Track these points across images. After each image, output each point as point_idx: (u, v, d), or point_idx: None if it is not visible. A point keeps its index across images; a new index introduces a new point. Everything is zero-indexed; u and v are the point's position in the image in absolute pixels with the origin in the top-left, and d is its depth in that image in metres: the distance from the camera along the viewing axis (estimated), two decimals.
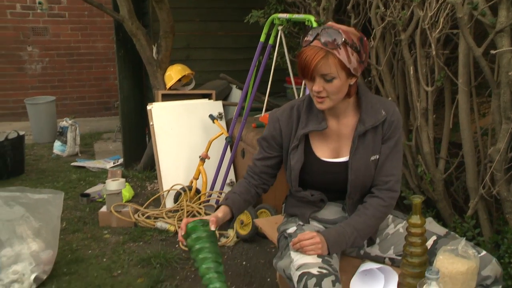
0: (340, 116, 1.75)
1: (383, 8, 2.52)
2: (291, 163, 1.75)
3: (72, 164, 4.94)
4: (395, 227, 1.83)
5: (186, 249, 3.05)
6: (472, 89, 2.32)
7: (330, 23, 1.65)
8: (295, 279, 1.59)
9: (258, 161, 1.85)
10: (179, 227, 3.18)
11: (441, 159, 2.53)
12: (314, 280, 1.50)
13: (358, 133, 1.70)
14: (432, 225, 1.78)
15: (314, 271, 1.54)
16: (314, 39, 1.58)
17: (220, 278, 1.61)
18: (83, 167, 4.84)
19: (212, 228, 1.67)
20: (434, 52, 2.30)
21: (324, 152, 1.76)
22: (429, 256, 1.65)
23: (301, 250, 1.65)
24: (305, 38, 1.61)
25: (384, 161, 1.74)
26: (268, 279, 2.72)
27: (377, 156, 1.73)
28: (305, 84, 3.00)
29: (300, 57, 1.60)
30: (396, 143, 1.74)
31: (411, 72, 2.46)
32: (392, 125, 1.72)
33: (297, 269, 1.59)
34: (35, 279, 2.60)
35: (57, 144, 5.32)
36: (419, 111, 2.46)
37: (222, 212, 1.74)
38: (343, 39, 1.56)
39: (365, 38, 1.65)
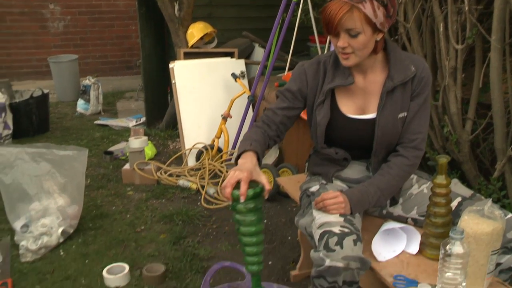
0: (367, 72, 1.71)
1: None
2: (317, 119, 1.73)
3: (95, 122, 4.99)
4: (419, 187, 1.81)
5: (211, 206, 3.09)
6: (506, 46, 2.23)
7: None
8: (316, 237, 1.59)
9: (280, 110, 1.77)
10: (201, 185, 3.25)
11: (468, 119, 2.48)
12: (335, 238, 1.50)
13: (387, 89, 1.66)
14: (457, 186, 1.75)
15: (336, 229, 1.54)
16: None
17: (260, 261, 1.52)
18: (106, 125, 4.89)
19: (266, 196, 1.52)
20: (466, 8, 2.21)
21: (349, 108, 1.73)
22: (453, 217, 1.64)
23: (324, 209, 1.65)
24: None
25: (412, 118, 1.70)
26: (289, 237, 2.75)
27: (405, 114, 1.69)
28: (330, 42, 2.94)
29: (324, 12, 1.55)
30: (425, 100, 1.70)
31: (441, 29, 2.38)
32: (422, 81, 1.68)
33: (319, 227, 1.60)
34: (63, 232, 2.68)
35: (80, 103, 5.36)
36: (447, 70, 2.40)
37: (253, 162, 1.56)
38: None
39: None
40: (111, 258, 2.55)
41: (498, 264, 1.58)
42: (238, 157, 1.60)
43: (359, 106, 1.73)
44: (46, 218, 2.64)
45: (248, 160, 1.55)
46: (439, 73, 2.54)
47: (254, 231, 1.48)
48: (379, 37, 1.61)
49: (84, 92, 5.34)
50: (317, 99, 1.73)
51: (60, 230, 2.66)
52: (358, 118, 1.72)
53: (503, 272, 1.61)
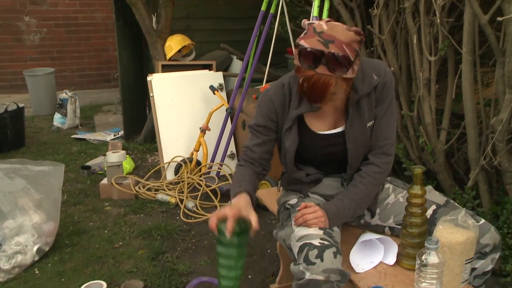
0: None
1: None
2: (286, 145, 1.71)
3: (73, 136, 4.94)
4: (395, 197, 1.83)
5: (190, 220, 3.07)
6: (476, 58, 2.29)
7: (328, 28, 1.45)
8: (295, 249, 1.59)
9: (256, 147, 1.74)
10: (180, 199, 3.23)
11: (442, 130, 2.52)
12: (315, 251, 1.51)
13: (352, 102, 1.64)
14: (431, 194, 1.77)
15: (316, 242, 1.54)
16: (319, 64, 1.44)
17: None
18: (84, 139, 4.84)
19: (252, 235, 1.51)
20: (438, 20, 2.26)
21: (320, 126, 1.71)
22: (429, 225, 1.66)
23: (304, 224, 1.64)
24: (305, 62, 1.45)
25: (379, 125, 1.70)
26: (268, 250, 2.75)
27: (373, 122, 1.69)
28: None
29: (307, 82, 1.47)
30: (389, 105, 1.69)
31: (415, 41, 2.43)
32: (385, 86, 1.66)
33: (298, 240, 1.60)
34: (38, 250, 2.62)
35: (57, 117, 5.30)
36: (421, 81, 2.44)
37: (246, 200, 1.58)
38: (351, 61, 1.45)
39: (362, 34, 1.51)
40: (88, 275, 2.51)
41: (473, 269, 1.61)
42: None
43: (328, 122, 1.71)
44: (21, 236, 2.58)
45: (241, 200, 1.58)
46: (414, 84, 2.59)
47: (234, 265, 1.46)
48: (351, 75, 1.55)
49: (61, 106, 5.29)
50: (285, 124, 1.70)
51: (35, 248, 2.61)
52: (329, 133, 1.71)
53: (478, 277, 1.64)
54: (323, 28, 1.45)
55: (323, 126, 1.71)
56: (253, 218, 1.49)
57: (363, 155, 1.74)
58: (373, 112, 1.69)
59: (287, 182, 1.89)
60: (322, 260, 1.48)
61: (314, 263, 1.48)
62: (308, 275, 1.47)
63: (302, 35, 1.49)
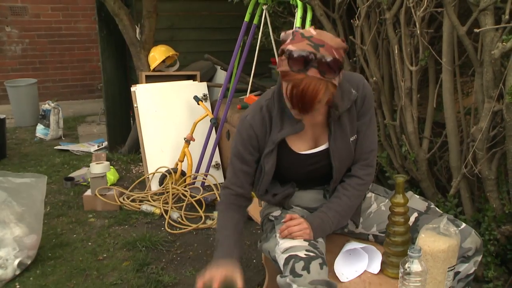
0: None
1: None
2: (265, 168, 1.66)
3: (56, 147, 4.89)
4: (378, 206, 1.84)
5: (175, 231, 3.06)
6: (456, 68, 2.33)
7: (317, 33, 1.45)
8: (281, 262, 1.59)
9: (244, 176, 1.71)
10: (165, 210, 3.21)
11: (424, 138, 2.55)
12: (302, 263, 1.50)
13: (333, 119, 1.62)
14: (412, 200, 1.78)
15: (301, 254, 1.54)
16: (310, 67, 1.39)
17: None
18: (67, 150, 4.79)
19: None
20: (418, 31, 2.29)
21: (301, 146, 1.68)
22: (411, 233, 1.67)
23: (289, 236, 1.64)
24: (295, 65, 1.41)
25: (363, 139, 1.70)
26: (254, 260, 2.75)
27: (356, 136, 1.70)
28: None
29: (297, 88, 1.41)
30: (370, 117, 1.69)
31: (396, 51, 2.46)
32: (364, 100, 1.66)
33: (283, 252, 1.59)
34: (19, 264, 2.58)
35: (39, 128, 5.25)
36: (403, 91, 2.47)
37: (235, 265, 1.58)
38: (341, 65, 1.44)
39: (344, 51, 1.48)
40: None
41: (456, 273, 1.62)
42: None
43: (310, 140, 1.69)
44: (1, 250, 2.54)
45: (229, 262, 1.58)
46: (396, 94, 2.62)
47: None
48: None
49: (43, 117, 5.23)
50: (266, 148, 1.65)
51: (16, 262, 2.57)
52: (311, 153, 1.70)
53: (461, 280, 1.66)
54: (312, 33, 1.44)
55: (305, 145, 1.69)
56: (239, 281, 1.53)
57: (347, 168, 1.74)
58: (355, 126, 1.68)
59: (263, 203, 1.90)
60: (308, 272, 1.48)
61: (300, 275, 1.48)
62: (295, 287, 1.48)
63: (288, 41, 1.46)
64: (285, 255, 1.57)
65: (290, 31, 1.51)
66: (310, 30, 1.46)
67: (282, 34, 1.52)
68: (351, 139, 1.69)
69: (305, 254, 1.54)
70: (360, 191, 1.73)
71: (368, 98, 1.67)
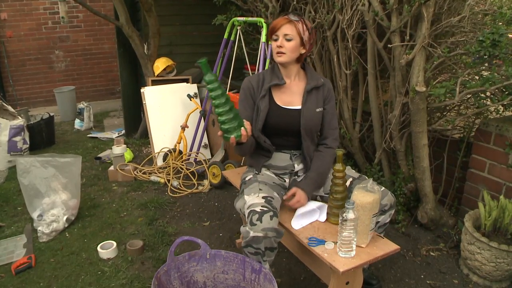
0: (292, 77, 1.74)
1: (313, 12, 2.46)
2: (261, 107, 1.71)
3: (88, 135, 4.73)
4: None
5: (175, 195, 3.00)
6: (377, 72, 2.32)
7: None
8: (246, 215, 1.57)
9: (245, 112, 1.74)
10: (167, 180, 3.15)
11: (356, 123, 2.55)
12: (257, 215, 1.49)
13: (307, 89, 1.71)
14: (349, 170, 1.79)
15: (257, 209, 1.52)
16: (284, 15, 1.64)
17: (229, 129, 1.47)
18: (96, 137, 4.64)
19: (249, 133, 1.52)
20: (350, 45, 2.27)
21: (281, 101, 1.73)
22: (348, 192, 1.66)
23: (293, 206, 1.67)
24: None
25: (331, 118, 1.77)
26: (234, 215, 2.72)
27: (321, 109, 1.74)
28: (257, 68, 2.93)
29: (272, 23, 1.65)
30: (334, 104, 1.80)
31: (335, 59, 2.44)
32: (330, 92, 1.76)
33: (247, 208, 1.58)
34: (67, 219, 2.56)
35: (77, 121, 5.10)
36: (341, 88, 2.46)
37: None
38: (301, 18, 1.63)
39: (315, 30, 1.65)
40: (103, 237, 2.43)
41: (377, 222, 1.64)
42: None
43: (288, 100, 1.74)
44: (54, 209, 2.53)
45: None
46: (336, 91, 2.60)
47: (225, 102, 1.44)
48: (302, 51, 1.66)
49: (79, 113, 5.10)
50: (260, 94, 1.72)
51: (64, 218, 2.54)
52: (288, 108, 1.72)
53: (381, 227, 1.68)
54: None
55: (284, 102, 1.74)
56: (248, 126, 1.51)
57: (312, 132, 1.74)
58: (321, 103, 1.74)
59: (248, 158, 1.86)
60: (261, 222, 1.47)
61: (255, 224, 1.47)
62: (251, 233, 1.46)
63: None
64: (248, 210, 1.55)
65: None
66: None
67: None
68: (317, 110, 1.72)
69: (260, 209, 1.51)
70: (331, 157, 1.77)
71: (332, 90, 1.78)
